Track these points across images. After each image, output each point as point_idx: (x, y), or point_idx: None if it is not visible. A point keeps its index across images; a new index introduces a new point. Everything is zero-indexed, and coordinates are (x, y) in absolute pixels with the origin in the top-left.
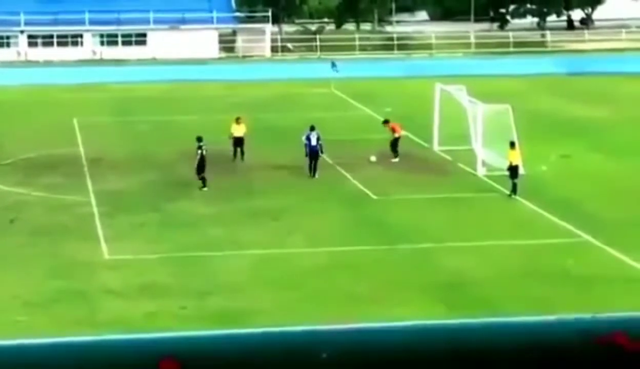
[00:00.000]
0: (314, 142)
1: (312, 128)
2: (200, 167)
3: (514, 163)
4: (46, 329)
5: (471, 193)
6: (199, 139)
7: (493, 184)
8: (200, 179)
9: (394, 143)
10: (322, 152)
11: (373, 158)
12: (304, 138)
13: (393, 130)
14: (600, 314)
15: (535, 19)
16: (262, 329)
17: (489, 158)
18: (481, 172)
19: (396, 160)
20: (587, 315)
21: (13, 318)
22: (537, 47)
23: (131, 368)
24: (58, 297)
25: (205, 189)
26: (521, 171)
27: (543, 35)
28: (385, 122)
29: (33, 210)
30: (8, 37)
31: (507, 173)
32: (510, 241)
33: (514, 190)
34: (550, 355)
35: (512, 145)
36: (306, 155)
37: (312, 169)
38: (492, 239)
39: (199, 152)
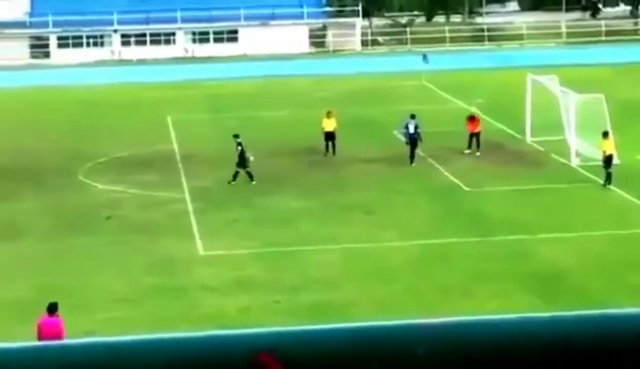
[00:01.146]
0: (412, 130)
1: (413, 117)
2: (241, 162)
3: (608, 153)
4: (143, 325)
5: (565, 183)
6: (237, 136)
7: (587, 174)
8: (248, 174)
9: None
10: (420, 141)
11: (467, 150)
12: (403, 126)
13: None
14: None
15: (628, 7)
16: (355, 324)
17: (583, 148)
18: (575, 162)
19: (477, 153)
20: None
21: (111, 315)
22: (629, 35)
23: (229, 362)
24: (154, 293)
25: (233, 183)
26: (615, 160)
27: (636, 23)
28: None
29: (128, 208)
30: (102, 36)
31: (601, 163)
32: (605, 231)
33: (608, 179)
34: None
35: (606, 134)
36: (406, 143)
37: (411, 157)
38: (587, 230)
39: (239, 148)
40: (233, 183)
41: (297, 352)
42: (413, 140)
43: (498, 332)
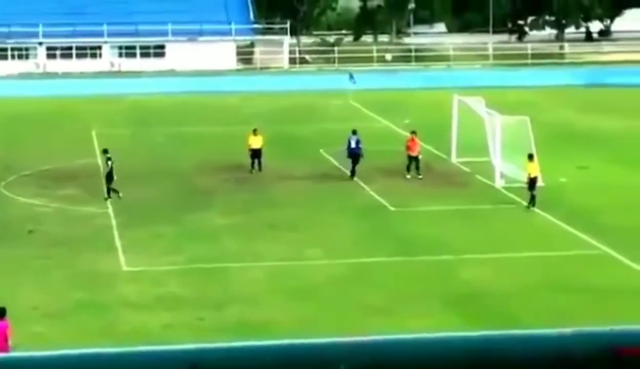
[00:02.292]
0: (353, 145)
1: (354, 132)
2: (109, 178)
3: (532, 175)
4: (65, 341)
5: (489, 205)
6: (105, 151)
7: (511, 196)
8: (108, 190)
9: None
10: (362, 156)
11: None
12: (346, 143)
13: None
14: (618, 327)
15: (554, 31)
16: (279, 342)
17: (507, 170)
18: (499, 183)
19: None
20: (604, 328)
21: (32, 330)
22: (555, 59)
23: None
24: (76, 308)
25: (110, 199)
26: (540, 183)
27: (561, 47)
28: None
29: (51, 221)
30: (27, 49)
31: (525, 185)
32: (528, 253)
33: (532, 201)
34: (566, 367)
35: (531, 157)
36: (348, 157)
37: (352, 172)
38: (510, 251)
39: (109, 163)
40: (110, 199)
41: (218, 368)
42: (355, 155)
43: (417, 350)
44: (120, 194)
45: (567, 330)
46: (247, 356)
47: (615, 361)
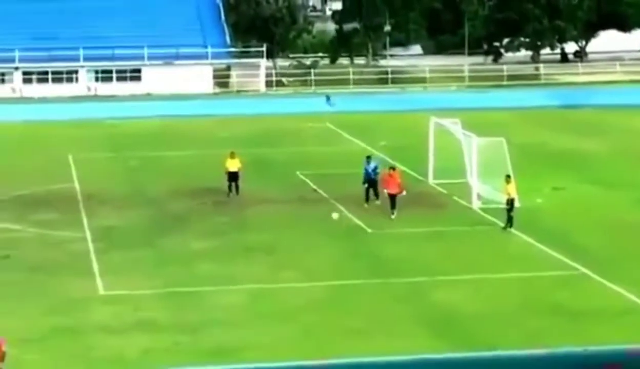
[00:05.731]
0: (370, 171)
1: (369, 159)
2: None
3: (510, 196)
4: (40, 366)
5: (466, 226)
6: None
7: (488, 217)
8: None
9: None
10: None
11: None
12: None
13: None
14: (592, 348)
15: (529, 52)
16: (255, 364)
17: (484, 191)
18: (476, 205)
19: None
20: (578, 349)
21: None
22: (530, 80)
23: None
24: (53, 333)
25: None
26: (516, 204)
27: (537, 68)
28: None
29: (28, 247)
30: (3, 74)
31: (503, 205)
32: (505, 274)
33: (509, 222)
34: None
35: (508, 178)
36: (364, 184)
37: (368, 196)
38: (487, 272)
39: None
40: None
41: None
42: (372, 181)
43: None
44: None
45: (538, 352)
46: None
47: None
